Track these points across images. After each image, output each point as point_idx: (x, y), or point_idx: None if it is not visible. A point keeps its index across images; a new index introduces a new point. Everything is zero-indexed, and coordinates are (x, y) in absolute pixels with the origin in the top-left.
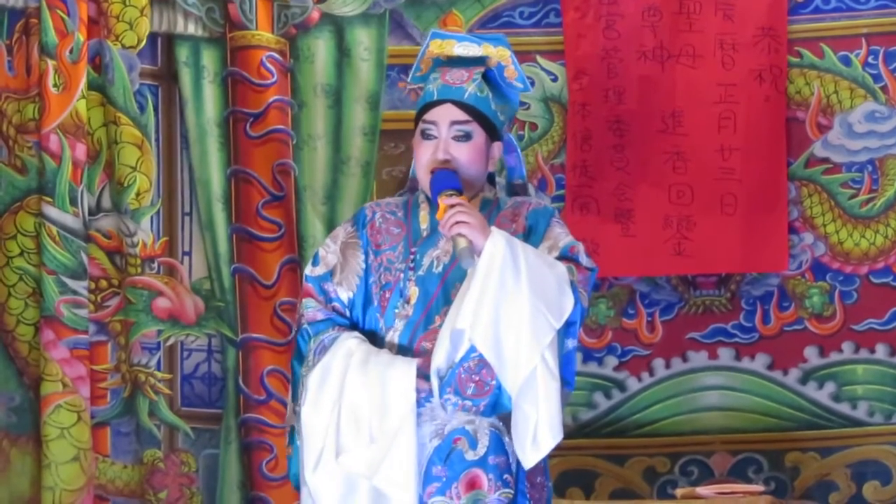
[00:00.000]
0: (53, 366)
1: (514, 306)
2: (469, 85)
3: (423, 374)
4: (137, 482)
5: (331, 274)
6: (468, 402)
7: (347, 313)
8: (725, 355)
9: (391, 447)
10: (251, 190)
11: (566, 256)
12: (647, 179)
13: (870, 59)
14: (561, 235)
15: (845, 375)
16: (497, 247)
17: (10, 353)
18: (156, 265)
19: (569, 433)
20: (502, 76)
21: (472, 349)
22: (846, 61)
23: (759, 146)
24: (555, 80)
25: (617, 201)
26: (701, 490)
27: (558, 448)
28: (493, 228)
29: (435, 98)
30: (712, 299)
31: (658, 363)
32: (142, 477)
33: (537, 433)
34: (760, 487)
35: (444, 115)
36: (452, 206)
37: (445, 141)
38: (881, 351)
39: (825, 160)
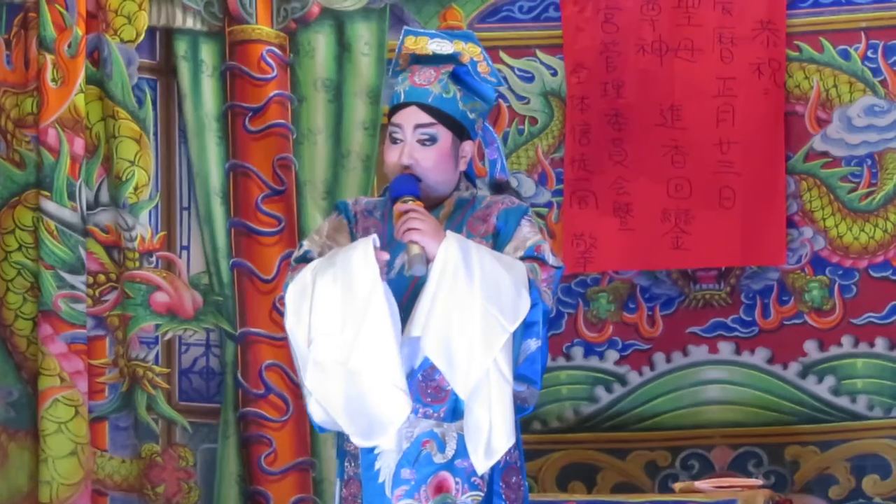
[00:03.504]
0: (51, 360)
1: (465, 311)
2: (434, 86)
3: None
4: (136, 476)
5: (317, 255)
6: (429, 409)
7: None
8: (725, 349)
9: (361, 324)
10: (250, 184)
11: (531, 256)
12: (646, 173)
13: (869, 53)
14: (529, 235)
15: (845, 369)
16: (449, 252)
17: (9, 347)
18: (154, 259)
19: (570, 427)
20: (476, 71)
21: None
22: (845, 55)
23: (758, 140)
24: (554, 74)
25: (615, 195)
26: (699, 484)
27: (560, 442)
28: (448, 233)
29: (401, 100)
30: (712, 293)
31: (658, 357)
32: (140, 471)
33: (491, 437)
34: (759, 481)
35: (409, 119)
36: (405, 212)
37: (410, 145)
38: (880, 345)
39: (824, 154)
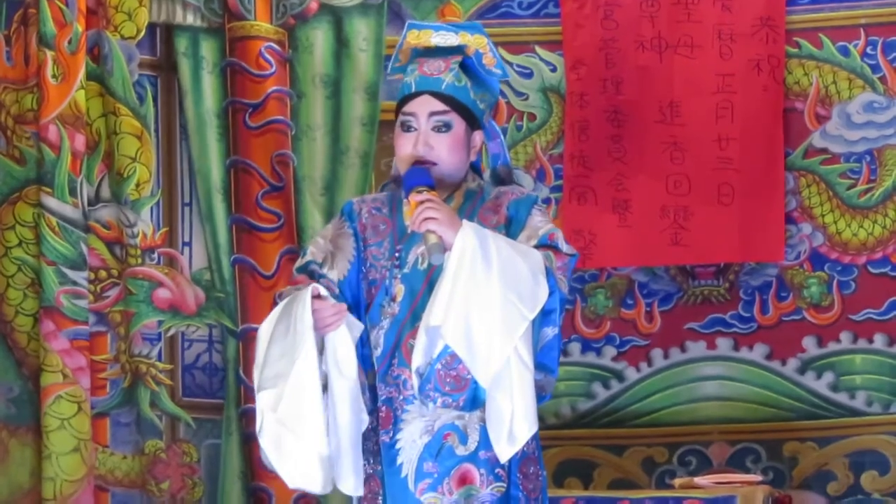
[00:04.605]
0: (53, 356)
1: (484, 299)
2: (447, 75)
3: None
4: (138, 472)
5: (319, 264)
6: (448, 398)
7: (337, 291)
8: (724, 345)
9: (288, 377)
10: (250, 181)
11: (545, 244)
12: (645, 170)
13: (868, 50)
14: (541, 224)
15: (843, 365)
16: (467, 241)
17: (9, 343)
18: (156, 256)
19: (567, 423)
20: (481, 63)
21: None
22: (845, 52)
23: (757, 136)
24: (553, 70)
25: (614, 191)
26: (699, 480)
27: (557, 438)
28: (464, 222)
29: (413, 90)
30: (711, 289)
31: (656, 353)
32: (143, 467)
33: (513, 425)
34: (758, 477)
35: (423, 107)
36: (421, 202)
37: (425, 133)
38: (879, 341)
39: (823, 150)
